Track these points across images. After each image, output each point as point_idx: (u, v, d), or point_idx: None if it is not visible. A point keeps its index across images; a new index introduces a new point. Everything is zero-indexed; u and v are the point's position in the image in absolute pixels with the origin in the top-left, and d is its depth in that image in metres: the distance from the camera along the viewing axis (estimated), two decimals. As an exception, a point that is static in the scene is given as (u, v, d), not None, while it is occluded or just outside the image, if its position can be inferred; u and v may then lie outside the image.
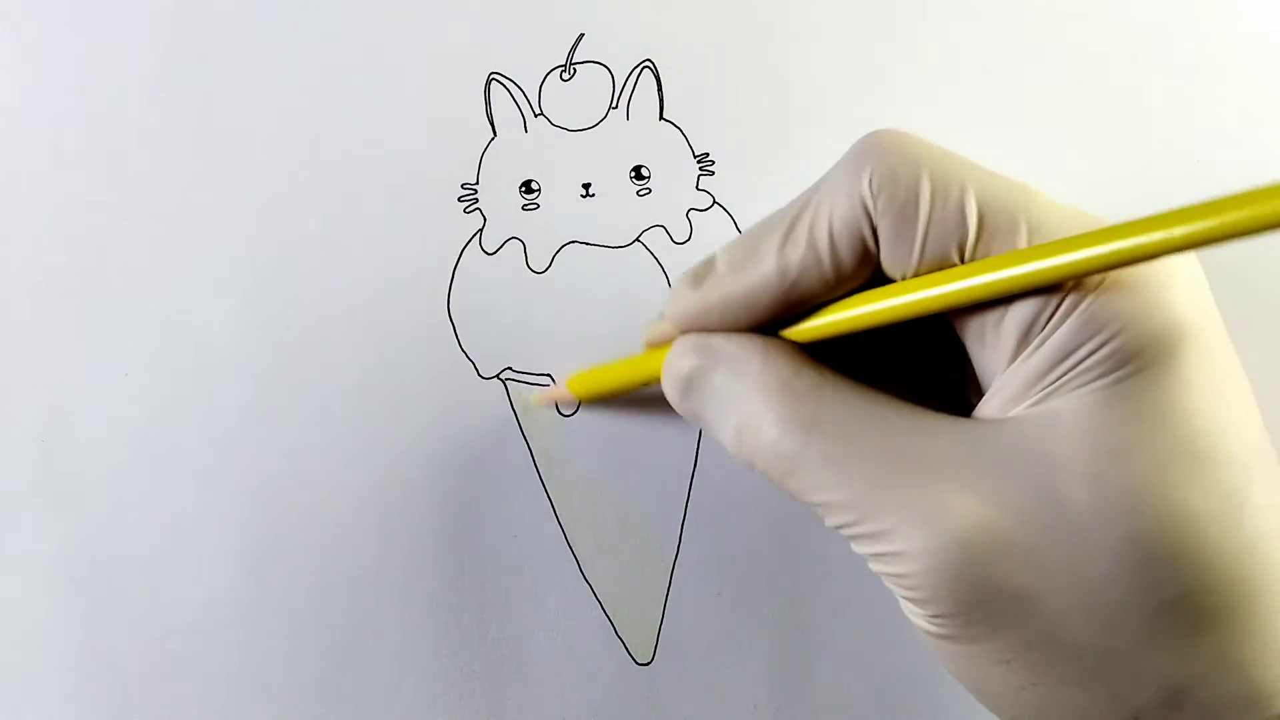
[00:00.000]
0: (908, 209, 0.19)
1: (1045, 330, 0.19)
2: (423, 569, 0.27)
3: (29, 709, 0.26)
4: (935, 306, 0.19)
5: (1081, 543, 0.18)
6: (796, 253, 0.20)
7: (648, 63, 0.28)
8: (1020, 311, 0.19)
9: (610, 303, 0.27)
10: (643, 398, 0.27)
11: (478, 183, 0.27)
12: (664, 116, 0.28)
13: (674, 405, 0.22)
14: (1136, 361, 0.18)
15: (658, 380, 0.23)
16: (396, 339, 0.27)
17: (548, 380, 0.27)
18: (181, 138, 0.27)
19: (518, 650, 0.27)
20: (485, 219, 0.27)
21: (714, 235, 0.27)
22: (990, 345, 0.20)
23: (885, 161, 0.19)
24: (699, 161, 0.28)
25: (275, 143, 0.27)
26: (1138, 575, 0.18)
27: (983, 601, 0.18)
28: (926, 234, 0.19)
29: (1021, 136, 0.28)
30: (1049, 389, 0.19)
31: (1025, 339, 0.19)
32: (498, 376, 0.27)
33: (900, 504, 0.19)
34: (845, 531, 0.20)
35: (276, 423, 0.27)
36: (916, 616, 0.20)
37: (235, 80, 0.27)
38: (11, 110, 0.27)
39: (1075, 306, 0.18)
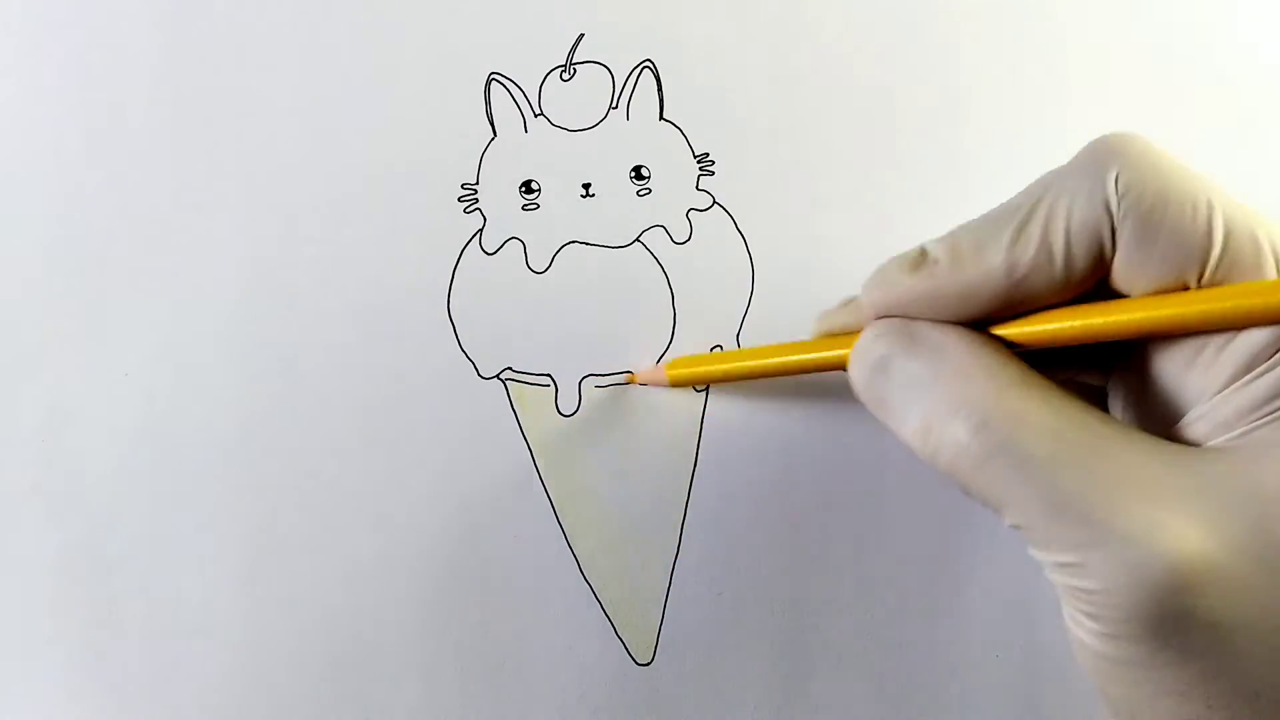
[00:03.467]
0: (1154, 215, 0.18)
1: (1272, 361, 0.18)
2: (423, 569, 0.27)
3: (29, 709, 0.26)
4: (1175, 325, 0.19)
5: None
6: (1029, 249, 0.19)
7: (648, 63, 0.28)
8: (1250, 339, 0.18)
9: (610, 303, 0.27)
10: (643, 398, 0.27)
11: (478, 183, 0.27)
12: (664, 116, 0.28)
13: (857, 389, 0.21)
14: None
15: (830, 367, 0.22)
16: (396, 339, 0.27)
17: (548, 380, 0.27)
18: (181, 137, 0.27)
19: (518, 650, 0.27)
20: (485, 219, 0.27)
21: (714, 235, 0.27)
22: (1203, 369, 0.19)
23: (1132, 164, 0.19)
24: (699, 161, 0.28)
25: (275, 143, 0.27)
26: None
27: (1178, 630, 0.17)
28: (1170, 245, 0.18)
29: (1022, 137, 0.28)
30: (1265, 420, 0.18)
31: (1248, 367, 0.18)
32: (498, 376, 0.27)
33: (1108, 518, 0.18)
34: (1029, 536, 0.19)
35: (276, 423, 0.27)
36: (1089, 634, 0.19)
37: (235, 80, 0.27)
38: (11, 110, 0.27)
39: None
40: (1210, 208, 0.18)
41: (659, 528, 0.27)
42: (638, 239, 0.27)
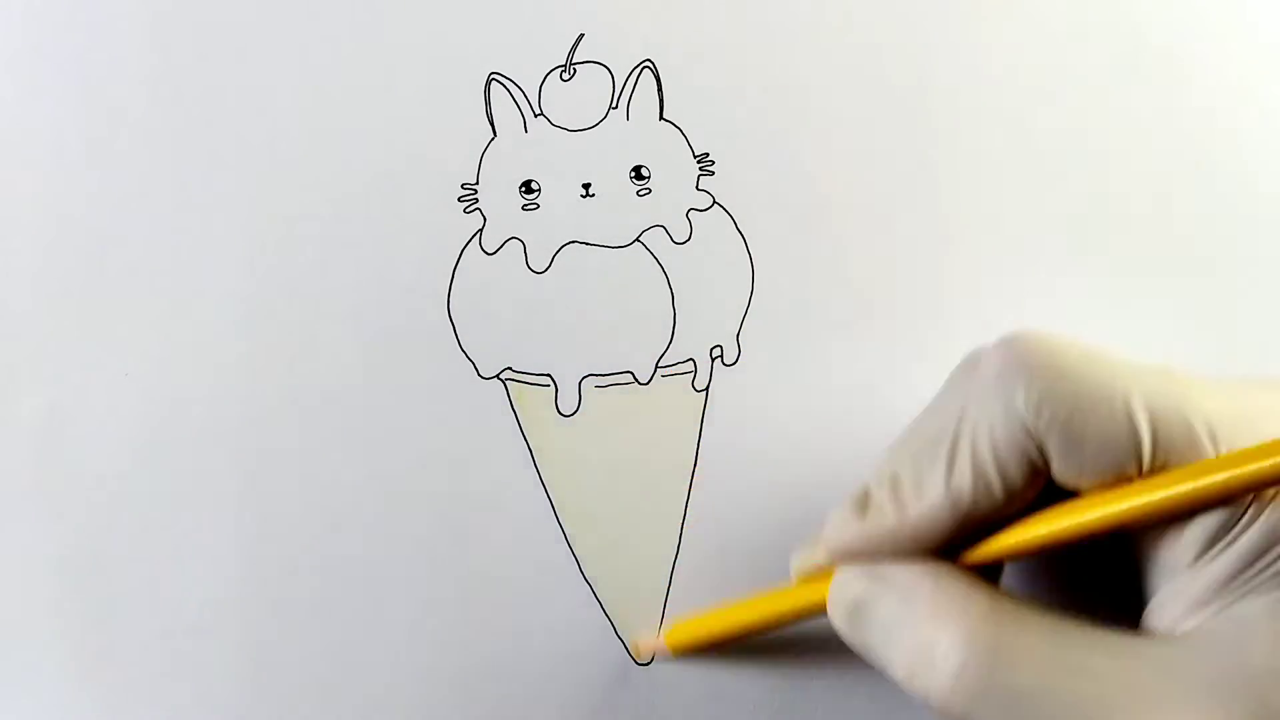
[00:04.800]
0: (1072, 425, 0.19)
1: (1231, 535, 0.18)
2: (422, 569, 0.27)
3: (29, 709, 0.26)
4: (1126, 522, 0.19)
5: None
6: (965, 480, 0.19)
7: (648, 63, 0.28)
8: (1207, 519, 0.18)
9: (610, 303, 0.27)
10: (643, 398, 0.27)
11: (478, 183, 0.27)
12: (664, 116, 0.28)
13: (843, 636, 0.21)
14: None
15: (809, 614, 0.23)
16: (396, 339, 0.27)
17: (548, 380, 0.27)
18: (181, 138, 0.27)
19: (518, 650, 0.27)
20: (485, 219, 0.27)
21: (714, 235, 0.27)
22: (1165, 550, 0.19)
23: (1039, 377, 0.19)
24: (699, 161, 0.28)
25: (275, 142, 0.27)
26: None
27: None
28: (1099, 449, 0.19)
29: (1023, 137, 0.28)
30: (1236, 595, 0.18)
31: (1209, 543, 0.18)
32: (498, 376, 0.27)
33: None
34: None
35: (276, 422, 0.27)
36: None
37: (235, 80, 0.27)
38: (11, 110, 0.27)
39: (1263, 509, 0.18)
40: (1127, 401, 0.18)
41: (659, 528, 0.27)
42: (638, 239, 0.27)
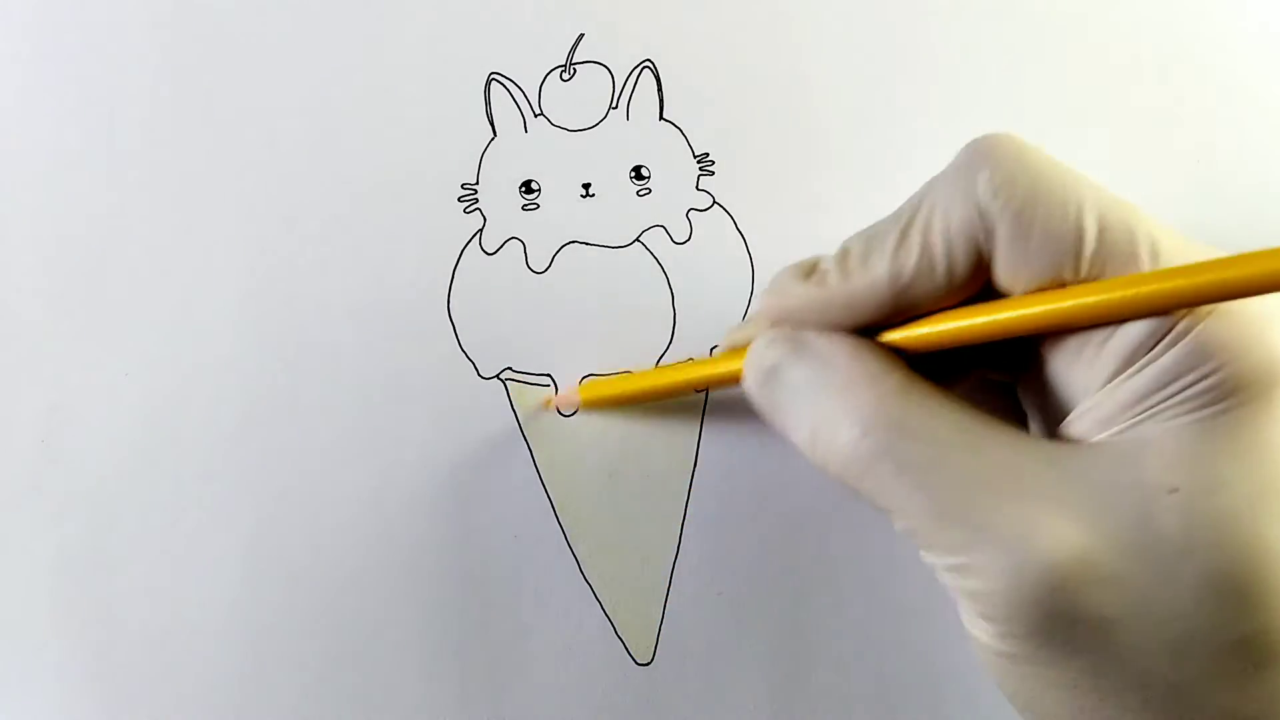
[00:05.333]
0: (1024, 214, 0.19)
1: (1151, 354, 0.18)
2: (423, 569, 0.27)
3: (29, 709, 0.26)
4: (1051, 323, 0.19)
5: (1167, 574, 0.18)
6: (910, 257, 0.20)
7: (648, 63, 0.28)
8: (1129, 332, 0.18)
9: (610, 303, 0.27)
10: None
11: (478, 183, 0.27)
12: (664, 116, 0.28)
13: (751, 398, 0.22)
14: (1238, 395, 0.18)
15: (732, 381, 0.23)
16: (396, 339, 0.27)
17: (548, 380, 0.27)
18: (181, 138, 0.27)
19: (518, 650, 0.27)
20: (485, 219, 0.27)
21: (714, 235, 0.27)
22: (1086, 364, 0.19)
23: (1002, 165, 0.19)
24: (699, 161, 0.28)
25: (275, 142, 0.27)
26: (1217, 610, 0.18)
27: (1062, 626, 0.18)
28: (1044, 242, 0.19)
29: (1023, 135, 0.28)
30: (1145, 414, 0.18)
31: (1128, 361, 0.18)
32: (498, 376, 0.27)
33: (986, 520, 0.18)
34: (917, 540, 0.19)
35: (276, 423, 0.27)
36: (982, 632, 0.19)
37: (235, 80, 0.27)
38: (11, 110, 0.27)
39: (1185, 333, 0.18)
40: (1080, 204, 0.19)
41: (659, 528, 0.27)
42: (638, 239, 0.27)
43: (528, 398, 0.27)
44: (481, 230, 0.27)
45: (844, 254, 0.21)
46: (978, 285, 0.20)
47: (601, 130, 0.27)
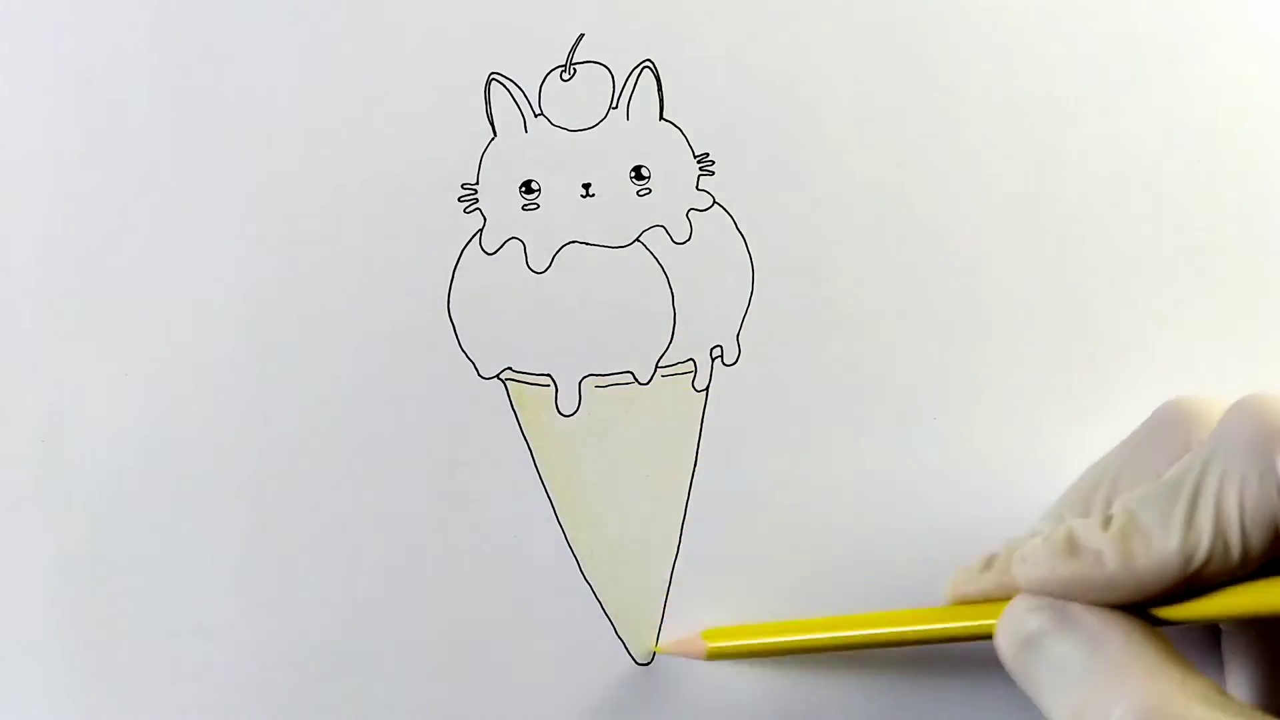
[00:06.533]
0: None
1: None
2: (423, 569, 0.27)
3: (29, 709, 0.26)
4: None
5: None
6: (1203, 538, 0.19)
7: (648, 63, 0.28)
8: None
9: (610, 303, 0.27)
10: (644, 398, 0.27)
11: (478, 183, 0.27)
12: (664, 116, 0.28)
13: (1004, 659, 0.21)
14: None
15: (969, 637, 0.22)
16: (396, 339, 0.27)
17: (548, 380, 0.27)
18: (181, 138, 0.27)
19: (518, 650, 0.27)
20: (485, 219, 0.27)
21: (714, 235, 0.27)
22: None
23: None
24: (699, 161, 0.28)
25: (275, 142, 0.27)
26: None
27: None
28: None
29: (1021, 135, 0.28)
30: None
31: None
32: (498, 376, 0.27)
33: None
34: None
35: (276, 423, 0.27)
36: None
37: (235, 80, 0.27)
38: (11, 110, 0.27)
39: None
40: None
41: (659, 528, 0.27)
42: (638, 239, 0.27)
43: (528, 398, 0.27)
44: (481, 230, 0.27)
45: (1122, 533, 0.19)
46: (1268, 558, 0.19)
47: (601, 130, 0.27)
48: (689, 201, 0.27)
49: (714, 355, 0.27)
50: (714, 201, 0.27)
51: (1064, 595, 0.20)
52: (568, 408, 0.27)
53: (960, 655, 0.27)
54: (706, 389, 0.27)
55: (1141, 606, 0.20)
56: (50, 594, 0.26)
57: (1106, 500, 0.22)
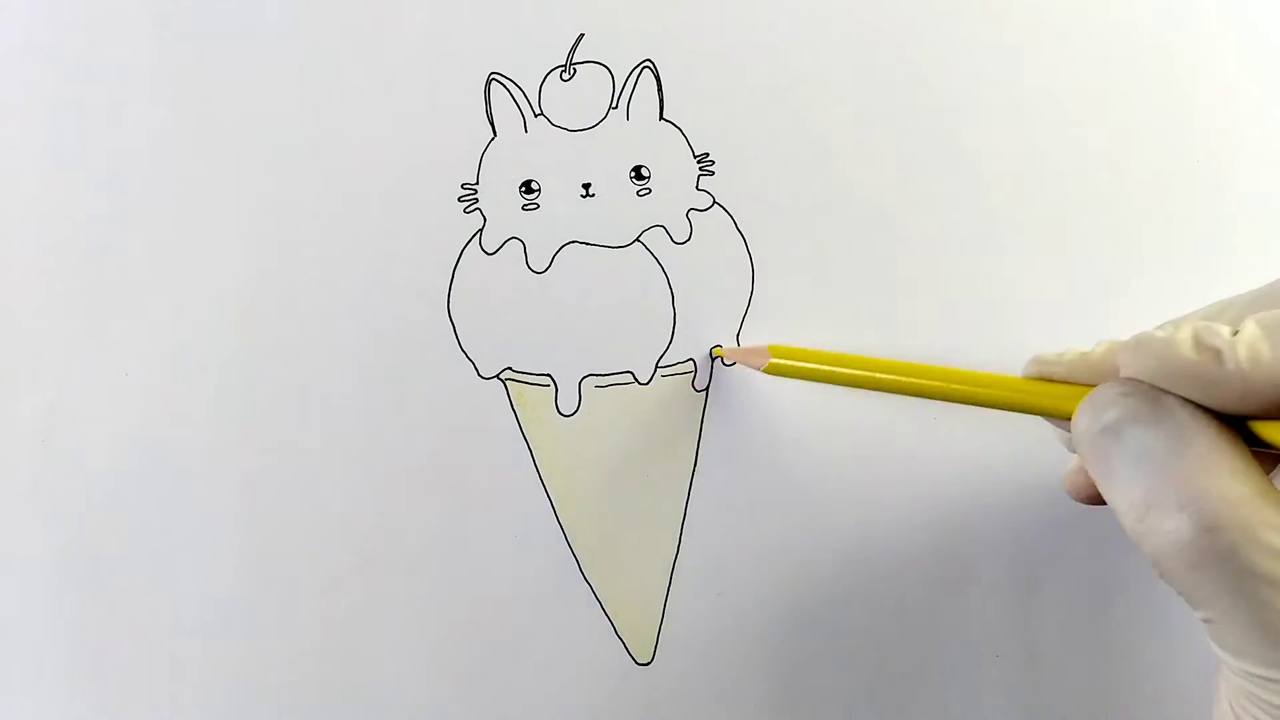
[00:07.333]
0: None
1: None
2: (423, 569, 0.27)
3: (29, 709, 0.26)
4: None
5: None
6: None
7: (648, 63, 0.28)
8: None
9: (610, 303, 0.27)
10: (644, 398, 0.27)
11: (478, 183, 0.27)
12: (664, 116, 0.28)
13: (1079, 440, 0.20)
14: None
15: (1039, 411, 0.21)
16: (396, 339, 0.27)
17: (548, 380, 0.27)
18: (181, 138, 0.27)
19: (518, 650, 0.27)
20: (485, 219, 0.27)
21: (714, 235, 0.27)
22: None
23: None
24: (699, 161, 0.28)
25: (275, 143, 0.27)
26: None
27: None
28: None
29: (1020, 134, 0.28)
30: None
31: None
32: (498, 376, 0.27)
33: None
34: (1222, 639, 0.18)
35: (276, 423, 0.27)
36: None
37: (235, 80, 0.27)
38: (11, 110, 0.27)
39: None
40: None
41: (659, 528, 0.27)
42: (638, 239, 0.27)
43: (528, 398, 0.27)
44: (481, 230, 0.27)
45: (1252, 340, 0.19)
46: None
47: (601, 130, 0.27)
48: (689, 201, 0.27)
49: (714, 355, 0.27)
50: (714, 201, 0.27)
51: (1165, 385, 0.19)
52: (568, 408, 0.27)
53: (951, 648, 0.27)
54: (706, 389, 0.27)
55: (1240, 421, 0.19)
56: (50, 594, 0.26)
57: (1237, 321, 0.21)
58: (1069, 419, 0.20)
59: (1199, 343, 0.19)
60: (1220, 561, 0.18)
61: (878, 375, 0.23)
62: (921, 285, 0.28)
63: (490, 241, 0.27)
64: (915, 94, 0.28)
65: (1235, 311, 0.21)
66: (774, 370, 0.25)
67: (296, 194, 0.27)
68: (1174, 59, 0.29)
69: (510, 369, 0.27)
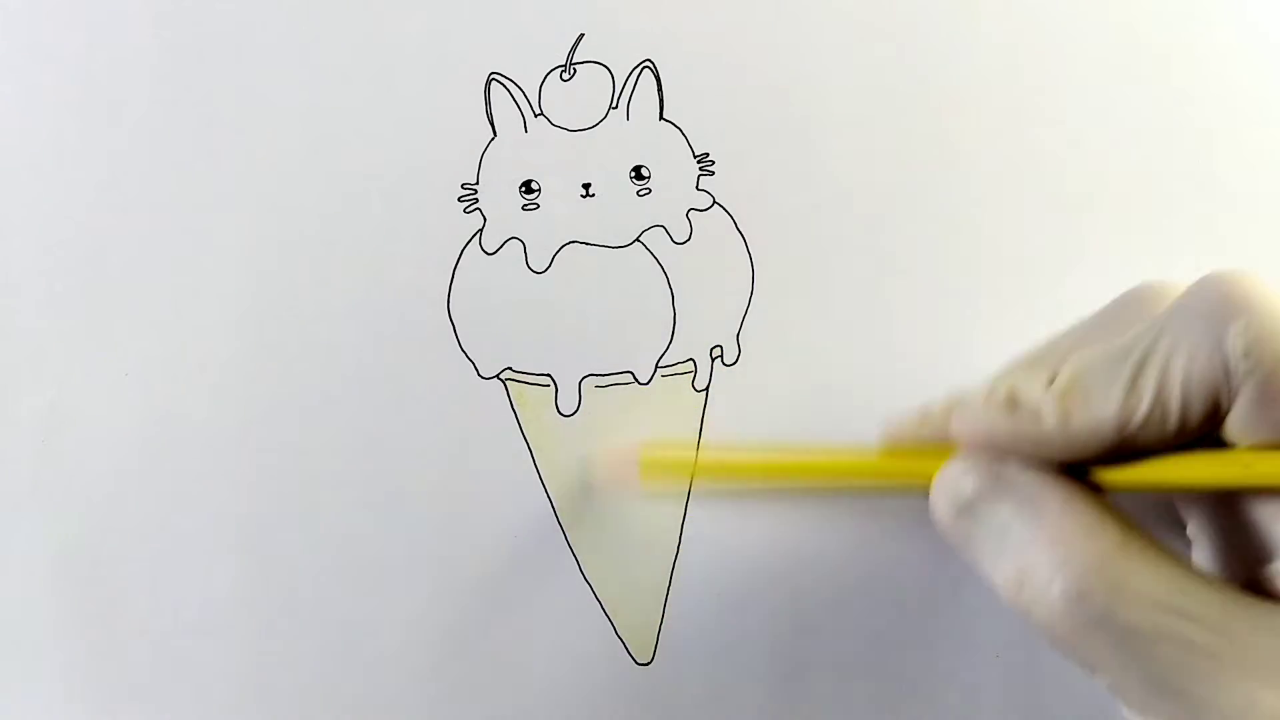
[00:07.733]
0: (1275, 378, 0.18)
1: None
2: (422, 569, 0.27)
3: (29, 709, 0.26)
4: None
5: None
6: (1142, 404, 0.18)
7: (648, 63, 0.28)
8: None
9: (610, 303, 0.27)
10: (644, 398, 0.27)
11: (478, 183, 0.27)
12: (664, 116, 0.28)
13: (940, 525, 0.20)
14: None
15: (902, 487, 0.22)
16: (396, 339, 0.27)
17: (548, 380, 0.27)
18: (181, 138, 0.27)
19: (518, 650, 0.27)
20: (485, 219, 0.27)
21: (714, 235, 0.27)
22: None
23: (1256, 320, 0.18)
24: (699, 161, 0.28)
25: (275, 142, 0.27)
26: None
27: None
28: None
29: (1020, 135, 0.28)
30: None
31: None
32: (498, 376, 0.27)
33: (1209, 695, 0.17)
34: (1124, 700, 0.18)
35: (276, 423, 0.27)
36: None
37: (235, 80, 0.27)
38: (11, 110, 0.27)
39: None
40: None
41: (659, 528, 0.27)
42: (638, 239, 0.27)
43: (528, 398, 0.27)
44: (481, 230, 0.27)
45: (1063, 392, 0.19)
46: (1203, 432, 0.19)
47: (601, 130, 0.27)
48: (689, 201, 0.27)
49: (714, 355, 0.27)
50: (714, 201, 0.27)
51: (1000, 451, 0.19)
52: (568, 408, 0.27)
53: (951, 648, 0.27)
54: (706, 389, 0.27)
55: (1080, 470, 0.19)
56: (50, 594, 0.26)
57: (1058, 365, 0.21)
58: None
59: (1013, 404, 0.19)
60: (1098, 627, 0.18)
61: (744, 461, 0.24)
62: (922, 285, 0.28)
63: (490, 241, 0.27)
64: (915, 94, 0.28)
65: (1069, 344, 0.21)
66: (649, 478, 0.25)
67: (296, 194, 0.27)
68: (1174, 59, 0.29)
69: (510, 369, 0.27)
